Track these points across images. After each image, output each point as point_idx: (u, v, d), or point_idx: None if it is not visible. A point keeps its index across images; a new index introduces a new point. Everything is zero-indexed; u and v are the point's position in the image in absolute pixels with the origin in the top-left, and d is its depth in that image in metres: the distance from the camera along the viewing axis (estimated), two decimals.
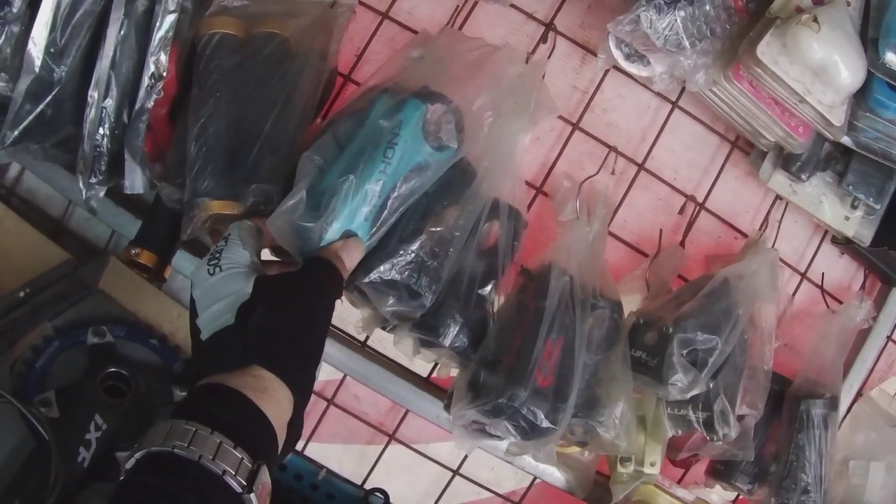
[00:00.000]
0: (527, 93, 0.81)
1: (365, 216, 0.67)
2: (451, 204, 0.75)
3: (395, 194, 0.69)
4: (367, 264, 0.70)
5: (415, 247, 0.71)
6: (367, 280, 0.70)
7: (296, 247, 0.66)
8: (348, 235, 0.66)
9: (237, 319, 0.55)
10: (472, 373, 0.76)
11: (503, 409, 0.73)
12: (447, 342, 0.75)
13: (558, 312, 0.76)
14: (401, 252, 0.71)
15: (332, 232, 0.66)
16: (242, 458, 0.47)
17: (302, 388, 0.55)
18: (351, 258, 0.65)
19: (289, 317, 0.57)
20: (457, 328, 0.75)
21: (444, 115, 0.70)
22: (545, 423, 0.74)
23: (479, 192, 0.76)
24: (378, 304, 0.72)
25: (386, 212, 0.69)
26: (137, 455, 0.46)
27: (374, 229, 0.68)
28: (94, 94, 0.75)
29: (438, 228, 0.73)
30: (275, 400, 0.52)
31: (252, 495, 0.46)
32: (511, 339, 0.76)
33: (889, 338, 0.99)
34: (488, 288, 0.77)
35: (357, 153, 0.68)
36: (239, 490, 0.46)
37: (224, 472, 0.45)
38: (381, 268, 0.70)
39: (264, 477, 0.48)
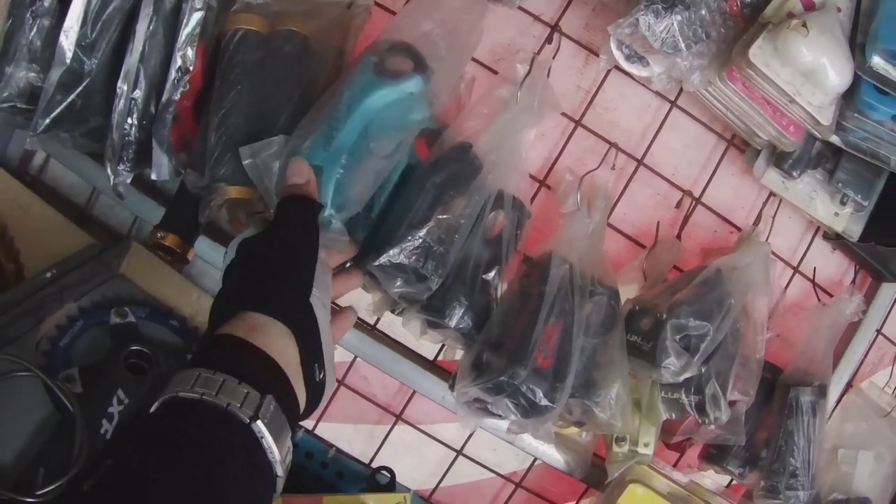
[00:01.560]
0: (531, 90, 0.86)
1: (324, 144, 0.72)
2: (458, 194, 0.80)
3: (354, 125, 0.73)
4: (377, 248, 0.74)
5: (422, 233, 0.75)
6: (377, 263, 0.74)
7: (260, 182, 0.72)
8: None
9: (223, 280, 0.61)
10: (476, 353, 0.80)
11: (504, 387, 0.77)
12: (453, 323, 0.79)
13: (558, 298, 0.80)
14: (409, 238, 0.75)
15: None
16: (248, 392, 0.48)
17: (294, 319, 0.56)
18: (311, 186, 0.68)
19: (259, 258, 0.61)
20: (462, 310, 0.79)
21: (388, 50, 0.74)
22: (544, 402, 0.78)
23: (485, 184, 0.81)
24: (387, 286, 0.76)
25: (342, 137, 0.72)
26: (154, 407, 0.50)
27: (338, 160, 0.72)
28: (123, 87, 0.78)
29: (445, 216, 0.77)
30: (269, 336, 0.54)
31: (259, 423, 0.48)
32: (513, 323, 0.80)
33: (878, 331, 1.02)
34: (492, 274, 0.81)
35: (319, 104, 0.74)
36: (246, 420, 0.47)
37: (228, 404, 0.47)
38: (391, 252, 0.74)
39: (273, 407, 0.49)
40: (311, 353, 0.57)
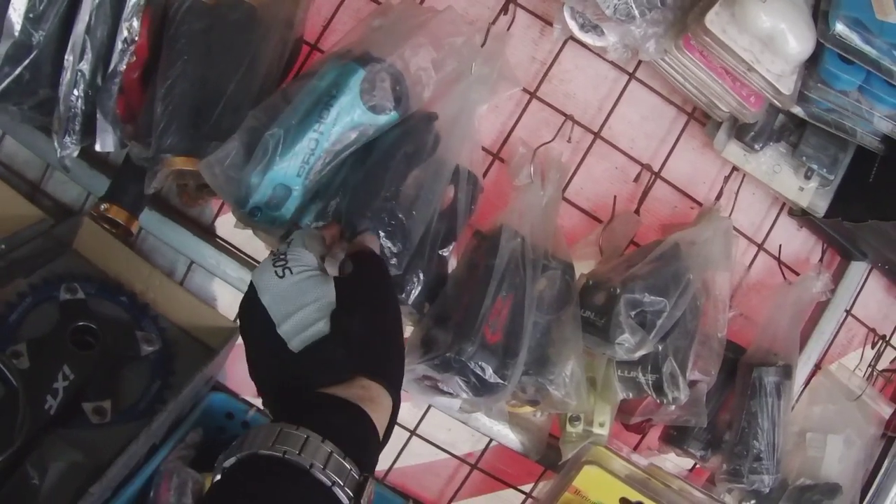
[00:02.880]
0: (487, 62, 0.84)
1: (297, 171, 0.70)
2: (417, 166, 0.78)
3: (331, 152, 0.71)
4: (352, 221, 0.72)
5: (395, 206, 0.73)
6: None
7: (228, 194, 0.69)
8: (281, 189, 0.70)
9: (333, 329, 0.52)
10: (424, 329, 0.78)
11: (451, 364, 0.75)
12: (410, 300, 0.77)
13: (508, 271, 0.78)
14: (384, 212, 0.73)
15: (263, 184, 0.69)
16: (351, 469, 0.45)
17: (399, 392, 0.54)
18: (374, 245, 0.66)
19: (383, 322, 0.56)
20: (420, 287, 0.77)
21: (379, 75, 0.72)
22: (494, 379, 0.75)
23: (441, 157, 0.79)
24: None
25: (319, 168, 0.71)
26: (241, 455, 0.44)
27: (308, 183, 0.71)
28: (69, 58, 0.77)
29: (410, 189, 0.76)
30: (381, 408, 0.51)
31: None
32: (461, 297, 0.78)
33: (848, 311, 1.00)
34: (449, 249, 0.80)
35: (294, 112, 0.71)
36: (347, 502, 0.44)
37: (334, 483, 0.43)
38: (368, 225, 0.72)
39: (370, 489, 0.46)
40: (394, 423, 0.55)
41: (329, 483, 0.43)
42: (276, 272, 0.55)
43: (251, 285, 0.56)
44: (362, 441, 0.48)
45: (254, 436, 0.45)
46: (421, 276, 0.76)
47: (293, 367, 0.52)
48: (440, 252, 0.80)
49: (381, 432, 0.50)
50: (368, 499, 0.46)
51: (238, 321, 0.58)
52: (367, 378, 0.51)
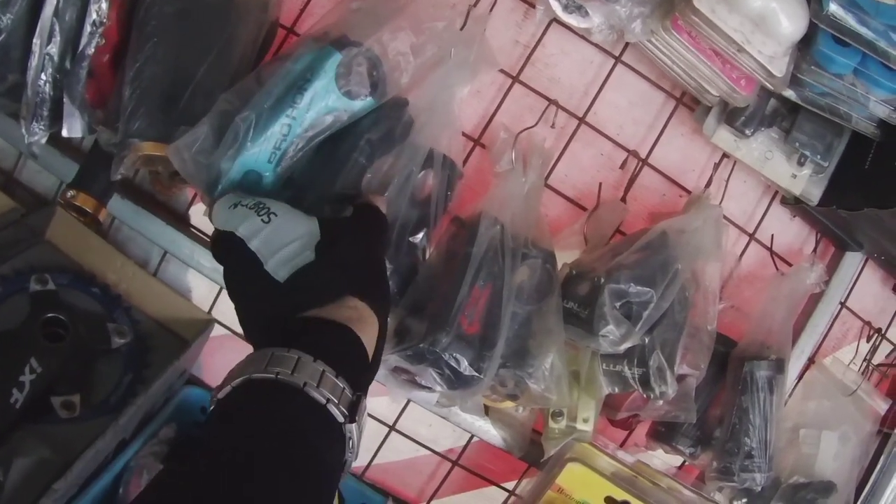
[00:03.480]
0: (466, 46, 0.81)
1: (269, 157, 0.67)
2: (388, 152, 0.75)
3: (304, 138, 0.69)
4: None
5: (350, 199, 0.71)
6: None
7: (198, 180, 0.66)
8: (252, 175, 0.67)
9: (318, 255, 0.53)
10: (398, 319, 0.75)
11: (425, 355, 0.72)
12: None
13: (486, 259, 0.75)
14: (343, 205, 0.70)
15: (233, 170, 0.66)
16: (344, 388, 0.45)
17: (386, 317, 0.55)
18: (380, 204, 0.67)
19: (369, 248, 0.58)
20: (387, 274, 0.74)
21: (356, 60, 0.70)
22: (469, 371, 0.73)
23: (415, 142, 0.76)
24: None
25: (291, 155, 0.68)
26: (235, 382, 0.45)
27: (280, 170, 0.68)
28: (37, 42, 0.75)
29: (377, 176, 0.73)
30: (370, 329, 0.51)
31: (353, 425, 0.45)
32: (437, 286, 0.76)
33: (842, 304, 0.96)
34: (419, 236, 0.77)
35: (266, 96, 0.68)
36: (342, 419, 0.45)
37: (328, 400, 0.44)
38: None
39: (363, 408, 0.47)
40: (382, 345, 0.55)
41: (323, 400, 0.44)
42: (261, 219, 0.55)
43: (230, 237, 0.55)
44: (354, 360, 0.48)
45: (246, 363, 0.46)
46: (387, 263, 0.74)
47: (282, 297, 0.51)
48: (410, 239, 0.77)
49: (370, 354, 0.50)
50: (362, 417, 0.46)
51: (224, 281, 0.57)
52: (355, 298, 0.51)
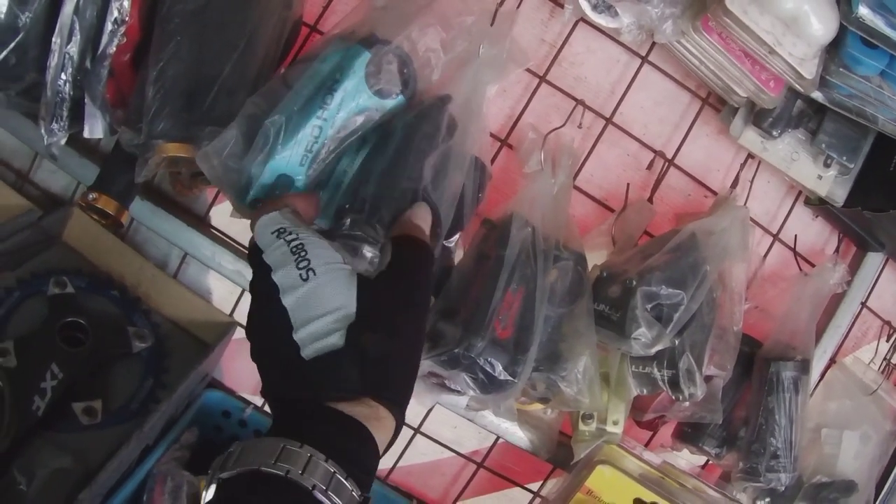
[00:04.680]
0: (496, 42, 0.80)
1: (300, 160, 0.66)
2: (436, 150, 0.74)
3: (335, 139, 0.67)
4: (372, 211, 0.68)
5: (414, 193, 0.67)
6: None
7: (228, 186, 0.65)
8: (283, 180, 0.66)
9: (347, 343, 0.50)
10: (431, 324, 0.74)
11: (460, 360, 0.71)
12: None
13: (518, 262, 0.75)
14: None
15: (265, 174, 0.65)
16: (353, 490, 0.44)
17: (404, 412, 0.52)
18: (425, 223, 0.63)
19: (402, 341, 0.53)
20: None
21: (386, 58, 0.69)
22: (504, 376, 0.72)
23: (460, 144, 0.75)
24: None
25: (323, 157, 0.67)
26: (240, 469, 0.44)
27: (312, 173, 0.67)
28: (57, 41, 0.74)
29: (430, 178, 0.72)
30: (384, 428, 0.49)
31: None
32: (469, 289, 0.75)
33: (863, 304, 0.97)
34: (454, 239, 0.76)
35: (296, 98, 0.67)
36: None
37: None
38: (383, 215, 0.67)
39: None
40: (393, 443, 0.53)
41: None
42: (300, 275, 0.51)
43: (269, 282, 0.52)
44: (364, 460, 0.47)
45: (254, 449, 0.44)
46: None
47: (302, 375, 0.49)
48: (445, 243, 0.76)
49: (381, 450, 0.49)
50: None
51: (248, 318, 0.54)
52: (374, 400, 0.49)
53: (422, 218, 0.62)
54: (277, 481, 0.43)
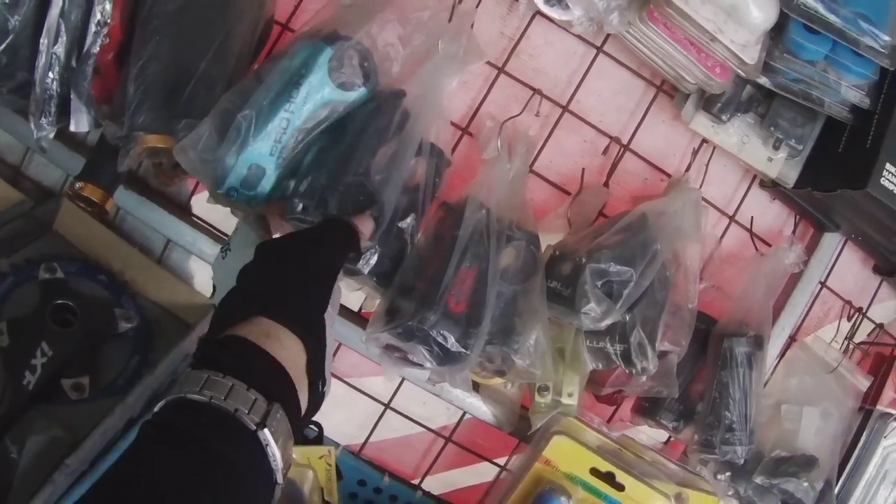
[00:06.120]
0: (454, 38, 0.85)
1: (270, 150, 0.73)
2: (388, 142, 0.79)
3: (302, 130, 0.73)
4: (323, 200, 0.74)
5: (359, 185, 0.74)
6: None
7: (204, 176, 0.71)
8: (255, 169, 0.71)
9: (237, 280, 0.59)
10: (389, 299, 0.79)
11: (414, 332, 0.76)
12: (367, 270, 0.78)
13: (472, 242, 0.79)
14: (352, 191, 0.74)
15: (238, 165, 0.71)
16: (256, 399, 0.48)
17: (308, 332, 0.56)
18: (364, 225, 0.71)
19: (281, 266, 0.60)
20: (375, 257, 0.78)
21: (347, 53, 0.74)
22: (456, 348, 0.76)
23: (410, 132, 0.80)
24: None
25: (292, 147, 0.73)
26: (159, 405, 0.48)
27: (281, 162, 0.72)
28: (44, 42, 0.79)
29: (381, 168, 0.77)
30: (280, 344, 0.53)
31: (266, 430, 0.47)
32: (426, 267, 0.79)
33: (822, 283, 0.99)
34: (408, 221, 0.81)
35: (265, 92, 0.73)
36: (252, 427, 0.47)
37: (236, 409, 0.46)
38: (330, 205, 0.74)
39: (279, 416, 0.49)
40: (319, 368, 0.57)
41: (231, 410, 0.47)
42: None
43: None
44: (257, 371, 0.51)
45: (174, 385, 0.49)
46: (377, 246, 0.78)
47: (211, 323, 0.57)
48: (399, 224, 0.80)
49: (292, 368, 0.53)
50: (279, 424, 0.48)
51: None
52: (261, 316, 0.54)
53: (364, 227, 0.70)
54: (186, 403, 0.47)
